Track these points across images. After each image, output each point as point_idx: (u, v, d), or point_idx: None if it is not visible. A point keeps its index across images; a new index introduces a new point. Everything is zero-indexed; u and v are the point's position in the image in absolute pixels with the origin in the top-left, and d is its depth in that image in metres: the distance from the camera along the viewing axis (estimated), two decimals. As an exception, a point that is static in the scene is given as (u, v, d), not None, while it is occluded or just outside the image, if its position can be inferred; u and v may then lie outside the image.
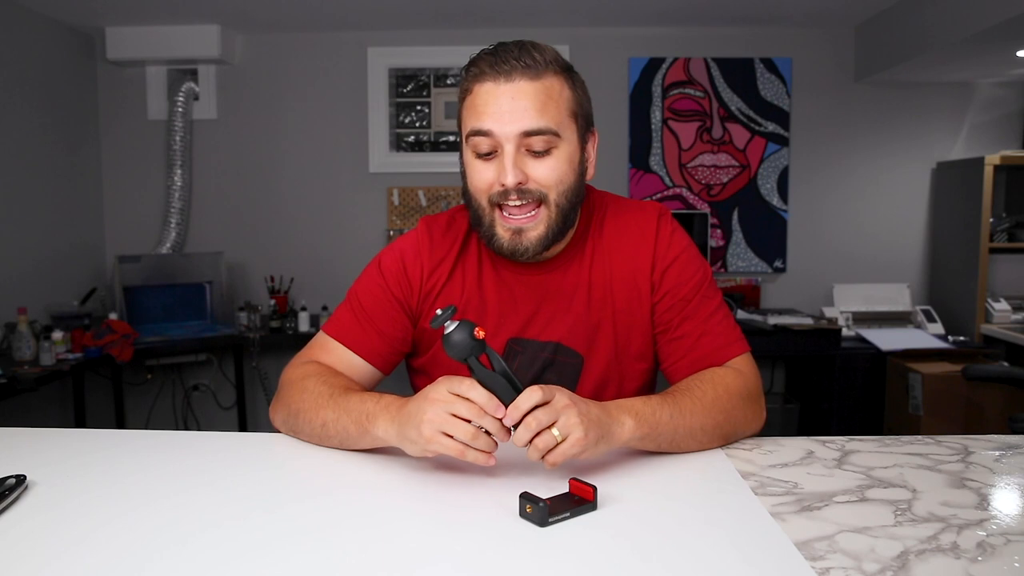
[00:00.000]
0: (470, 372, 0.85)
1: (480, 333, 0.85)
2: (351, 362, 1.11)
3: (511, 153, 0.99)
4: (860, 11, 3.41)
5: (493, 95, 0.99)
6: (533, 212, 1.02)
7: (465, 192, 1.07)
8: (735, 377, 1.04)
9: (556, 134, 1.00)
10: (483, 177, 1.02)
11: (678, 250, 1.11)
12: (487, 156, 1.01)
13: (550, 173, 1.01)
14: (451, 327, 0.85)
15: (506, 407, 0.84)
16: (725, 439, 1.02)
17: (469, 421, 0.84)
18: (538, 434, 0.84)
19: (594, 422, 0.86)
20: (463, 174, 1.07)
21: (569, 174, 1.03)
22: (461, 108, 1.05)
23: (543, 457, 0.84)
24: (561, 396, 0.85)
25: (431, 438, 0.84)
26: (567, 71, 1.03)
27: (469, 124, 1.01)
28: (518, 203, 1.01)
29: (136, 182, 3.77)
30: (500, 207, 1.02)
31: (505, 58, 0.98)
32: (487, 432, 0.85)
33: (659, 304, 1.10)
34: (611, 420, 0.89)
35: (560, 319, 1.10)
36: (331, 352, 1.12)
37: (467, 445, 0.84)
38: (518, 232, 1.02)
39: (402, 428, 0.88)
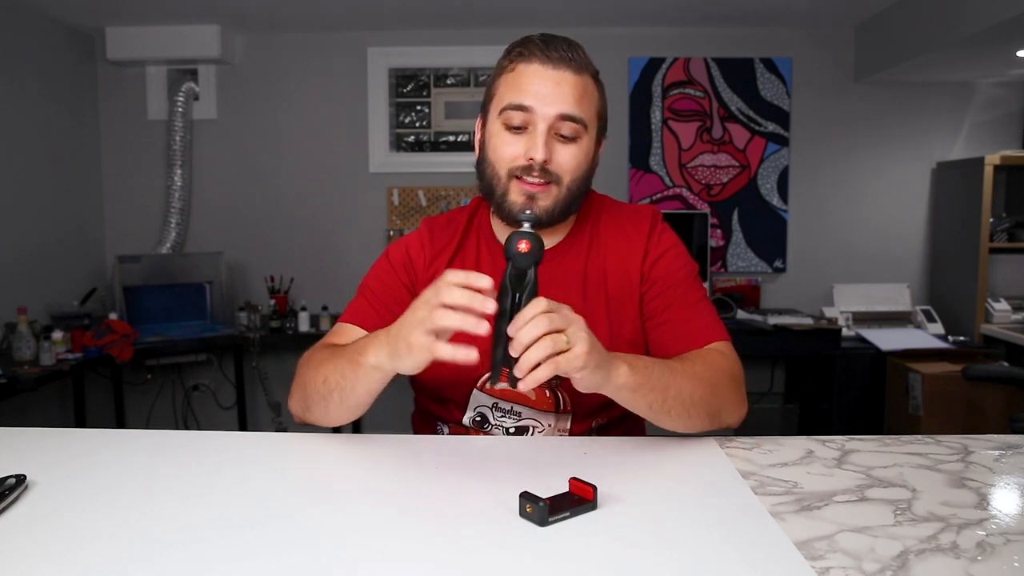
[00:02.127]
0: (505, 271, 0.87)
1: (522, 247, 0.86)
2: None
3: (544, 132, 1.05)
4: (860, 11, 3.41)
5: (539, 76, 1.05)
6: (546, 187, 1.08)
7: (481, 162, 1.12)
8: (719, 357, 1.07)
9: (585, 125, 1.07)
10: (510, 149, 1.07)
11: (668, 245, 1.17)
12: (516, 130, 1.07)
13: (571, 159, 1.07)
14: (522, 233, 0.87)
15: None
16: (710, 417, 1.03)
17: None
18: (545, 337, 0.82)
19: (597, 347, 0.87)
20: (481, 144, 1.13)
21: (584, 164, 1.10)
22: (497, 83, 1.10)
23: (532, 371, 0.82)
24: (569, 309, 0.86)
25: (418, 343, 0.85)
26: (597, 77, 1.12)
27: (507, 98, 1.06)
28: (537, 180, 1.07)
29: (136, 182, 3.77)
30: (517, 177, 1.08)
31: (555, 47, 1.06)
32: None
33: (648, 293, 1.15)
34: (609, 359, 0.91)
35: None
36: (348, 334, 1.16)
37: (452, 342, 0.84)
38: (531, 198, 1.08)
39: (393, 345, 0.90)
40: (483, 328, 0.82)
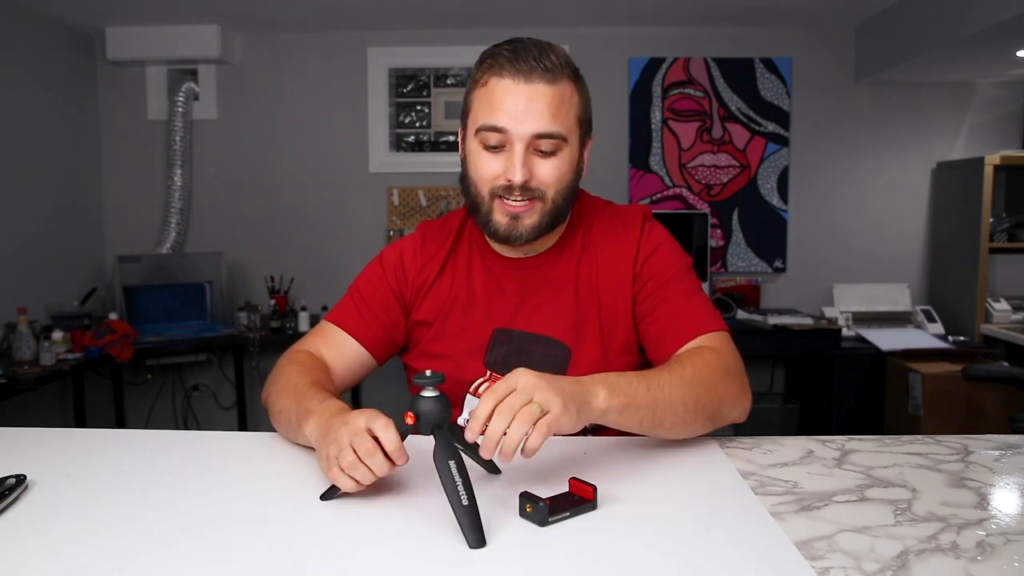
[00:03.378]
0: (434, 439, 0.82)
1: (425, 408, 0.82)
2: (344, 344, 1.16)
3: (521, 152, 1.02)
4: (860, 11, 3.41)
5: (511, 93, 1.01)
6: (530, 204, 1.06)
7: (464, 179, 1.11)
8: (711, 353, 1.03)
9: (564, 139, 1.04)
10: (489, 169, 1.05)
11: (658, 241, 1.15)
12: (494, 149, 1.04)
13: (552, 172, 1.05)
14: (428, 393, 0.82)
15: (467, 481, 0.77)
16: (710, 418, 0.99)
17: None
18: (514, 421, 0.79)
19: (566, 392, 0.83)
20: (463, 160, 1.11)
21: (568, 174, 1.07)
22: (471, 96, 1.07)
23: (523, 447, 0.79)
24: (526, 377, 0.81)
25: (328, 467, 0.83)
26: (577, 76, 1.07)
27: (482, 118, 1.04)
28: (520, 199, 1.05)
29: (136, 182, 3.77)
30: (500, 197, 1.06)
31: (525, 57, 1.01)
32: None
33: (640, 292, 1.12)
34: (584, 390, 0.86)
35: (546, 311, 1.13)
36: (328, 336, 1.16)
37: (347, 475, 0.81)
38: (515, 218, 1.06)
39: (319, 442, 0.88)
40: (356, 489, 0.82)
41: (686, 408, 0.96)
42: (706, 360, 1.01)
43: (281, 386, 1.06)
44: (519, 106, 1.01)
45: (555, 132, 1.02)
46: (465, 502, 0.75)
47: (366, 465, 0.80)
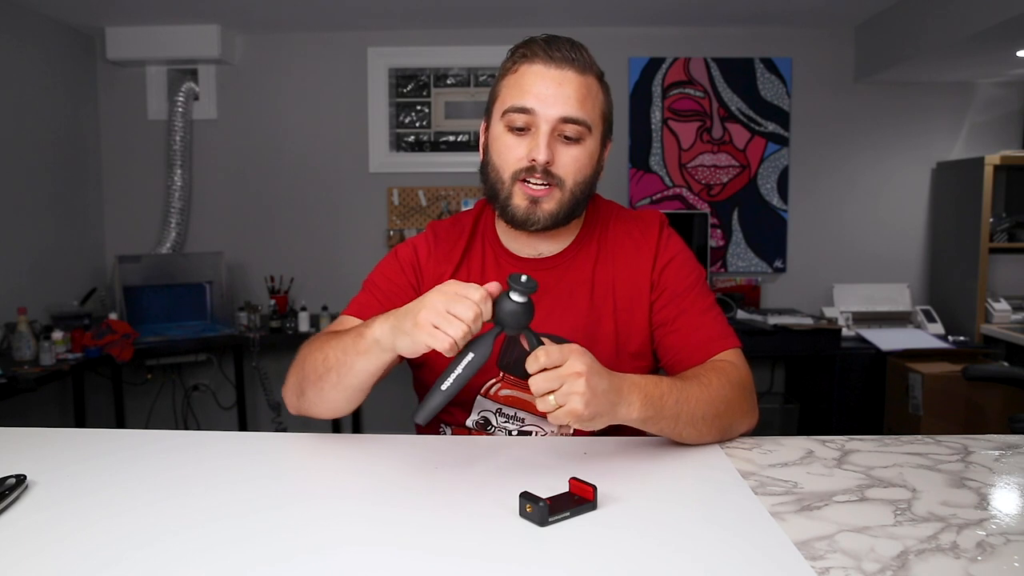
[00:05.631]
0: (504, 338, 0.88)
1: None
2: None
3: (547, 133, 1.04)
4: (860, 11, 3.41)
5: (541, 77, 1.04)
6: (548, 190, 1.07)
7: (485, 165, 1.11)
8: (733, 370, 1.07)
9: (588, 128, 1.06)
10: (513, 152, 1.06)
11: (675, 251, 1.16)
12: (519, 132, 1.06)
13: (574, 162, 1.07)
14: (516, 297, 0.86)
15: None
16: (722, 433, 1.03)
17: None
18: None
19: (599, 396, 0.87)
20: (485, 148, 1.12)
21: (588, 167, 1.09)
22: (500, 84, 1.10)
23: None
24: (575, 361, 0.86)
25: (424, 326, 0.86)
26: (602, 79, 1.10)
27: (509, 100, 1.06)
28: (540, 182, 1.06)
29: (136, 182, 3.77)
30: (520, 180, 1.07)
31: (558, 47, 1.05)
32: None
33: (657, 301, 1.13)
34: (619, 398, 0.91)
35: (561, 313, 1.13)
36: (347, 327, 1.14)
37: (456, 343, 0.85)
38: (534, 202, 1.07)
39: (398, 321, 0.91)
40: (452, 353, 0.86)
41: (705, 423, 1.00)
42: (729, 376, 1.05)
43: (316, 349, 1.04)
44: (548, 89, 1.03)
45: (581, 118, 1.04)
46: (444, 387, 0.82)
47: (469, 327, 0.85)
